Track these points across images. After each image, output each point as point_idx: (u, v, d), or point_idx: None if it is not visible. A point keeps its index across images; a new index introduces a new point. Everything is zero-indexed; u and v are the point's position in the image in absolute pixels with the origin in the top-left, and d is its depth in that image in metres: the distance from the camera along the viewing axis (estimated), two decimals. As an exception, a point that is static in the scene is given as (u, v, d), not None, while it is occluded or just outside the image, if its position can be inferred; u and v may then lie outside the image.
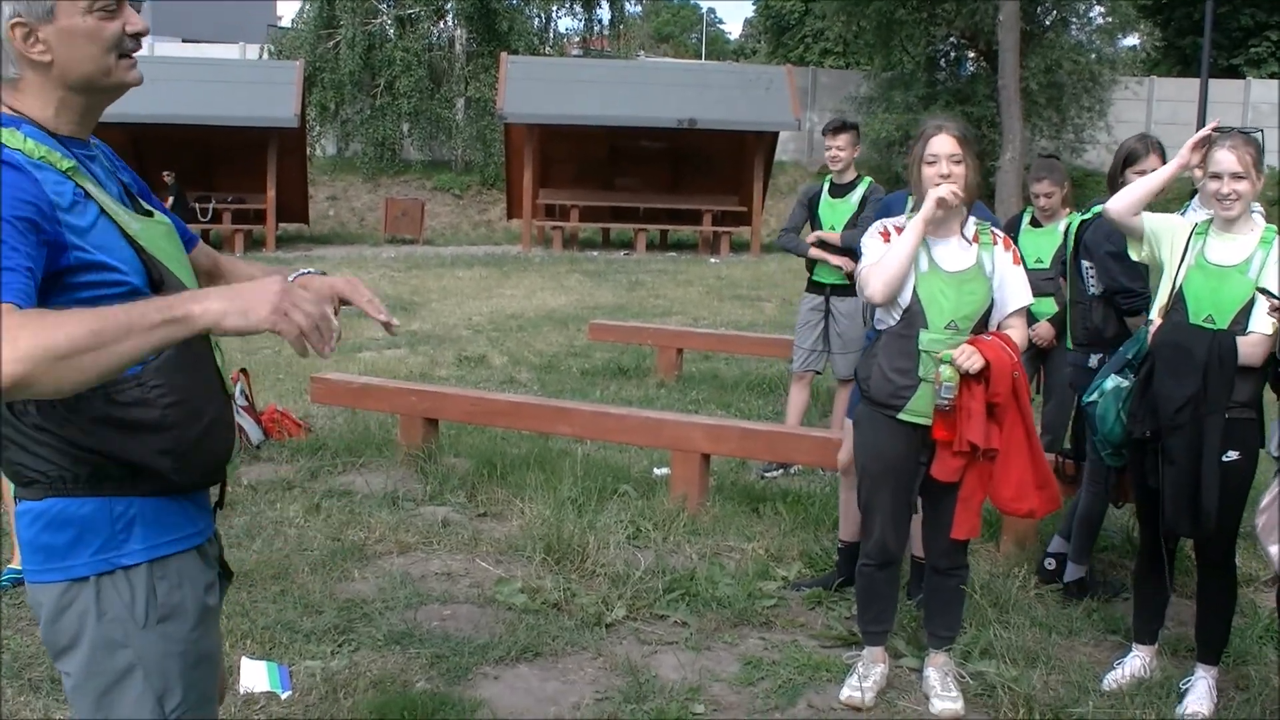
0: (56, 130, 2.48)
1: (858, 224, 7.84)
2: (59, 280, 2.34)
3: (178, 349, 2.36)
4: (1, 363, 2.04)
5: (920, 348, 4.66)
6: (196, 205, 25.58)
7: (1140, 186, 5.06)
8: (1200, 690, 4.95)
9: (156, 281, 2.48)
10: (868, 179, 8.33)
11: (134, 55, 2.56)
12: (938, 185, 4.67)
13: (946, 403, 4.58)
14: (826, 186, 8.40)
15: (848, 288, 8.08)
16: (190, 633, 2.60)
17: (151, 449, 2.46)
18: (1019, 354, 4.72)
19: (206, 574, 2.69)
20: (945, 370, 4.56)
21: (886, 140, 32.96)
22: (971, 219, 4.87)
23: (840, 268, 8.05)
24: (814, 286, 8.46)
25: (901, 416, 4.73)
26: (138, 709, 2.55)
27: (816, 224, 8.32)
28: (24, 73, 2.45)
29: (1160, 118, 35.28)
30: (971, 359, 4.52)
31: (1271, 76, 38.73)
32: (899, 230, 4.77)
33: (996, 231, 4.94)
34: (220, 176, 27.28)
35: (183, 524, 2.60)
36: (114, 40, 2.49)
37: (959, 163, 4.70)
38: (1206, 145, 4.96)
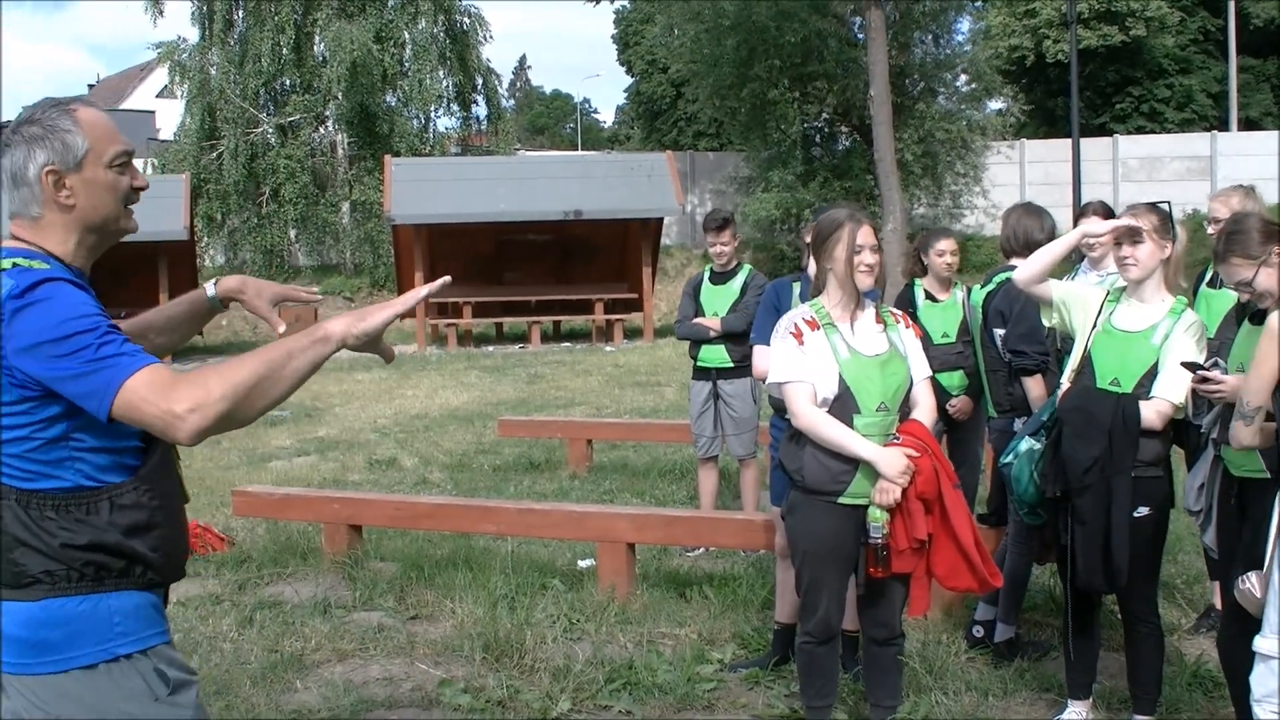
0: (70, 263, 2.83)
1: (738, 309, 8.34)
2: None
3: (159, 460, 2.81)
4: (210, 404, 2.56)
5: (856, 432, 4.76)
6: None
7: (1042, 256, 5.30)
8: (1137, 740, 5.10)
9: None
10: (747, 266, 8.75)
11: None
12: (863, 273, 4.85)
13: (880, 540, 4.73)
14: (707, 275, 8.77)
15: (733, 370, 8.50)
16: (195, 701, 2.88)
17: (145, 544, 2.77)
18: (931, 438, 4.85)
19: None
20: (873, 511, 4.72)
21: (769, 219, 33.44)
22: (870, 303, 5.04)
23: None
24: (699, 372, 8.76)
25: (842, 500, 4.80)
26: None
27: (701, 310, 8.62)
28: (46, 213, 2.81)
29: (1034, 178, 36.25)
30: (889, 494, 4.68)
31: (1138, 131, 39.92)
32: (810, 324, 4.90)
33: (894, 311, 5.13)
34: (112, 291, 26.61)
35: (159, 620, 2.88)
36: (125, 192, 2.90)
37: (878, 250, 4.89)
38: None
